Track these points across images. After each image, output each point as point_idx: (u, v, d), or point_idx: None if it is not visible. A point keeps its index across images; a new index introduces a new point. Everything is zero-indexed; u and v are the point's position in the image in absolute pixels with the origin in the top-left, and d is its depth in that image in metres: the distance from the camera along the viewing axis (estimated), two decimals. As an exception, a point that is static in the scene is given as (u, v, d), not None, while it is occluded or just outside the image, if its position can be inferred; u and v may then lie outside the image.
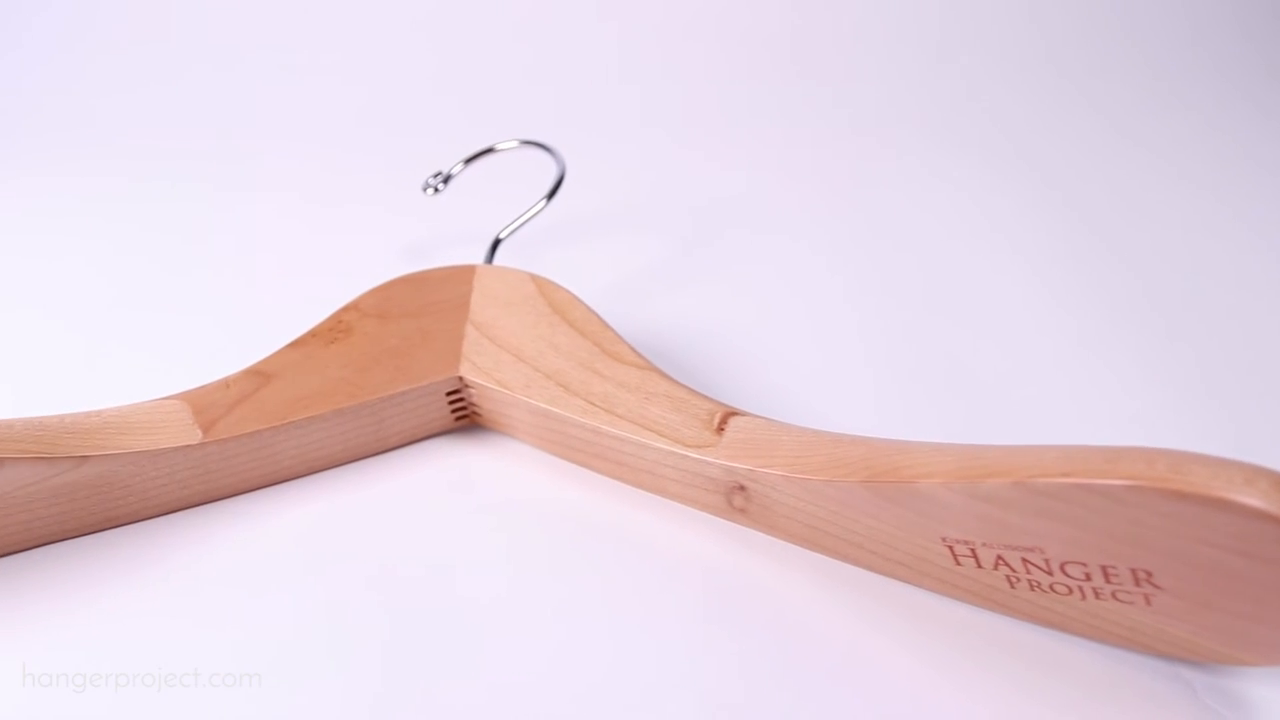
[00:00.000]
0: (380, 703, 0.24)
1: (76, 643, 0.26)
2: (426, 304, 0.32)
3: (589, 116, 0.63)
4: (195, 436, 0.29)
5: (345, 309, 0.32)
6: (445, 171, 0.40)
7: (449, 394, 0.31)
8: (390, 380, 0.30)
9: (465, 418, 0.32)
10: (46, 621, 0.27)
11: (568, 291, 0.32)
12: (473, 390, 0.31)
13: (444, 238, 0.47)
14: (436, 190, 0.38)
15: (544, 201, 0.38)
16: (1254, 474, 0.18)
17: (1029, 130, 0.60)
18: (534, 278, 0.33)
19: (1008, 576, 0.25)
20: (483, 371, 0.31)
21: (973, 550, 0.25)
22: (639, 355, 0.30)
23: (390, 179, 0.54)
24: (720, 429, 0.28)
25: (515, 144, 0.39)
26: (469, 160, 0.39)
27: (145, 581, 0.28)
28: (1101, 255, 0.45)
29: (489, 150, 0.39)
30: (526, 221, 0.38)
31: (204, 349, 0.39)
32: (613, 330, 0.31)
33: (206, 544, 0.29)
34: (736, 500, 0.28)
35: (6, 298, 0.44)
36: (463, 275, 0.33)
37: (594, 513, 0.30)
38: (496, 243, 0.36)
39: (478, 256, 0.40)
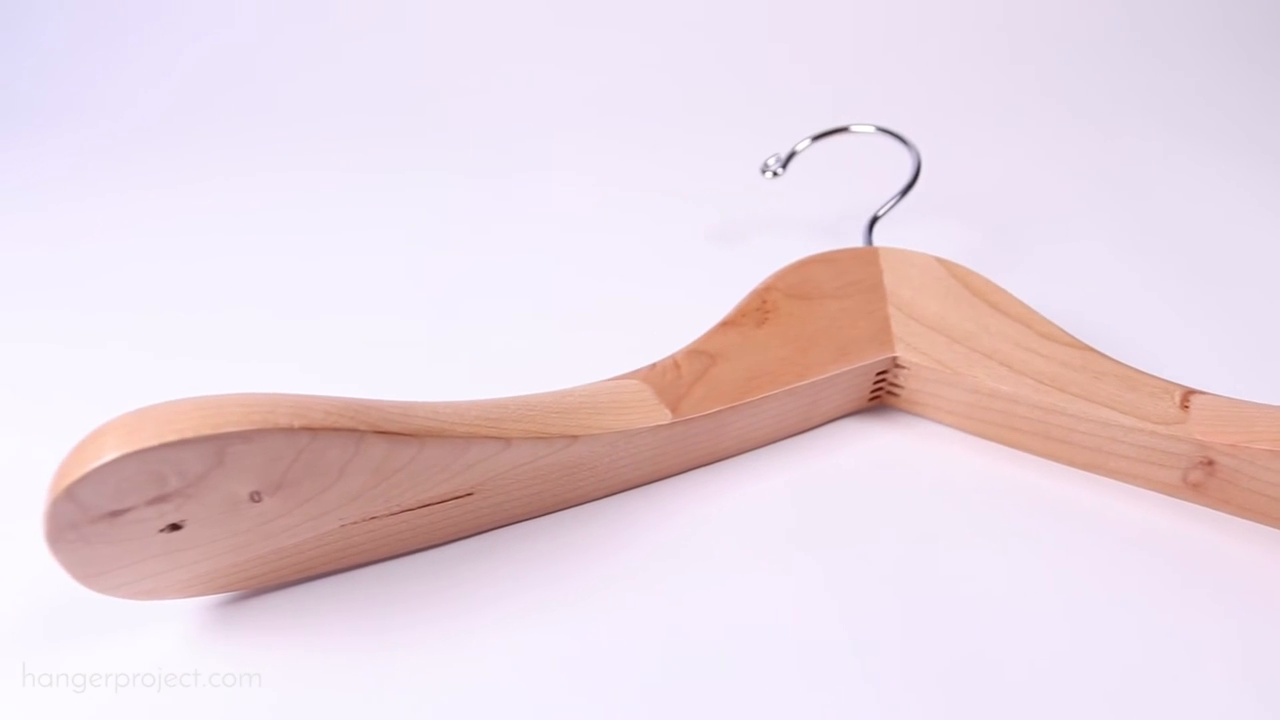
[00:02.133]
0: (854, 677, 0.24)
1: (557, 627, 0.26)
2: (843, 285, 0.33)
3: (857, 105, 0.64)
4: (665, 417, 0.29)
5: (765, 289, 0.32)
6: (785, 153, 0.39)
7: (877, 374, 0.32)
8: (832, 360, 0.31)
9: (876, 398, 0.33)
10: (545, 605, 0.27)
11: (980, 275, 0.32)
12: (905, 371, 0.31)
13: (745, 221, 0.48)
14: (775, 174, 0.38)
15: (903, 193, 0.38)
16: None
17: (1258, 120, 0.62)
18: (941, 261, 0.33)
19: None
20: (919, 352, 0.31)
21: None
22: (1071, 336, 0.31)
23: (676, 167, 0.56)
24: (1184, 406, 0.29)
25: (871, 129, 0.39)
26: (816, 138, 0.39)
27: (623, 563, 0.28)
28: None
29: (842, 130, 0.39)
30: (894, 206, 0.39)
31: (534, 336, 0.40)
32: (1038, 312, 0.32)
33: (669, 524, 0.29)
34: (1193, 475, 0.29)
35: (337, 291, 0.44)
36: (868, 257, 0.34)
37: (1035, 491, 0.30)
38: (874, 222, 0.36)
39: (787, 239, 0.41)
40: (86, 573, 0.23)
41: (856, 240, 0.43)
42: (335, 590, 0.27)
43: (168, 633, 0.26)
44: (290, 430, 0.22)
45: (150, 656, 0.25)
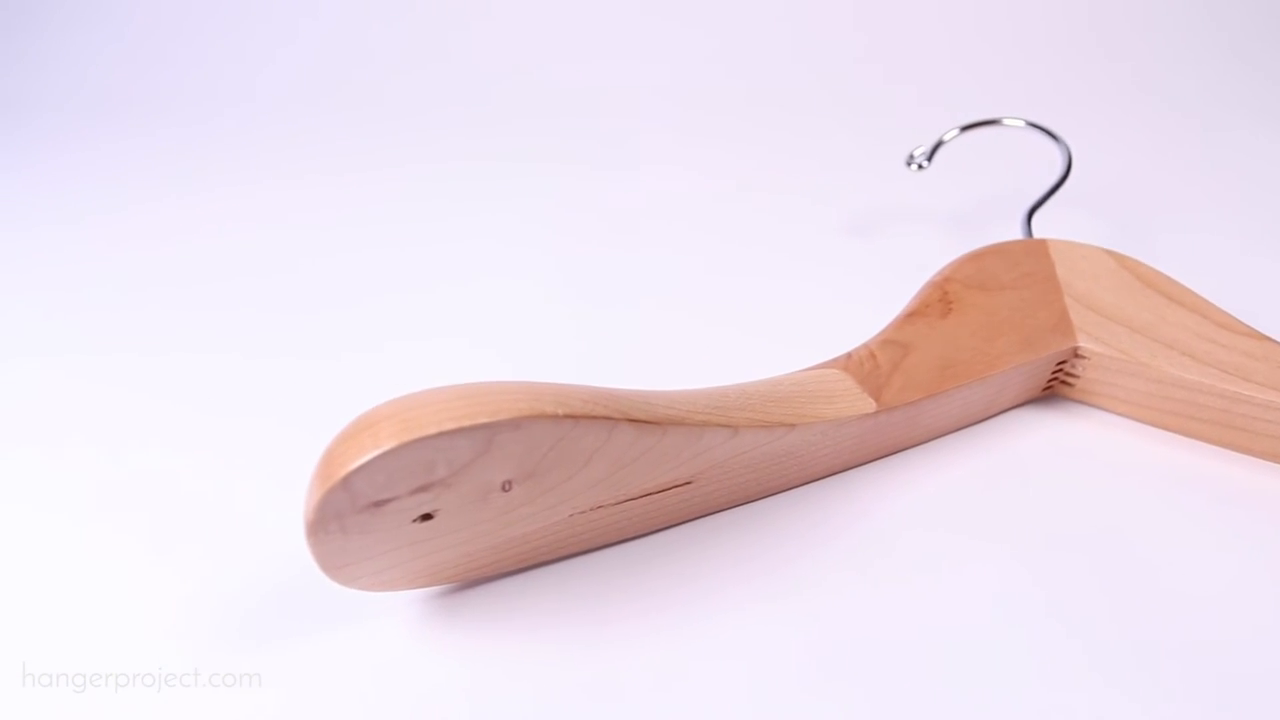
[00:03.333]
0: (1085, 670, 0.25)
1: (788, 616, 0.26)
2: (1017, 276, 0.33)
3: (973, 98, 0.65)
4: (870, 406, 0.29)
5: (945, 280, 0.33)
6: (930, 145, 0.40)
7: (1056, 364, 0.32)
8: (1018, 350, 0.31)
9: (1050, 388, 0.33)
10: (761, 589, 0.27)
11: (1150, 266, 0.33)
12: (1085, 361, 0.32)
13: (870, 215, 0.49)
14: (920, 167, 0.39)
15: (1056, 187, 0.39)
16: None
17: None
18: (1111, 253, 0.34)
19: None
20: (1101, 342, 0.31)
21: None
22: (1249, 326, 0.31)
23: (790, 164, 0.57)
24: (1372, 395, 0.30)
25: (1021, 124, 0.39)
26: (965, 128, 0.39)
27: (832, 554, 0.28)
28: None
29: (993, 122, 0.40)
30: (1047, 199, 0.39)
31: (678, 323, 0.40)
32: (1213, 303, 0.32)
33: (870, 513, 0.30)
34: (1376, 462, 0.30)
35: (476, 272, 0.45)
36: (1038, 249, 0.34)
37: (1220, 479, 0.30)
38: (1031, 214, 0.37)
39: (920, 229, 0.41)
40: (334, 564, 0.23)
41: (989, 232, 0.44)
42: (549, 581, 0.27)
43: (387, 625, 0.26)
44: (555, 418, 0.22)
45: (377, 648, 0.25)
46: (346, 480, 0.21)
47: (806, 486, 0.30)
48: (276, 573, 0.28)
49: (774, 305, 0.41)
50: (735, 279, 0.44)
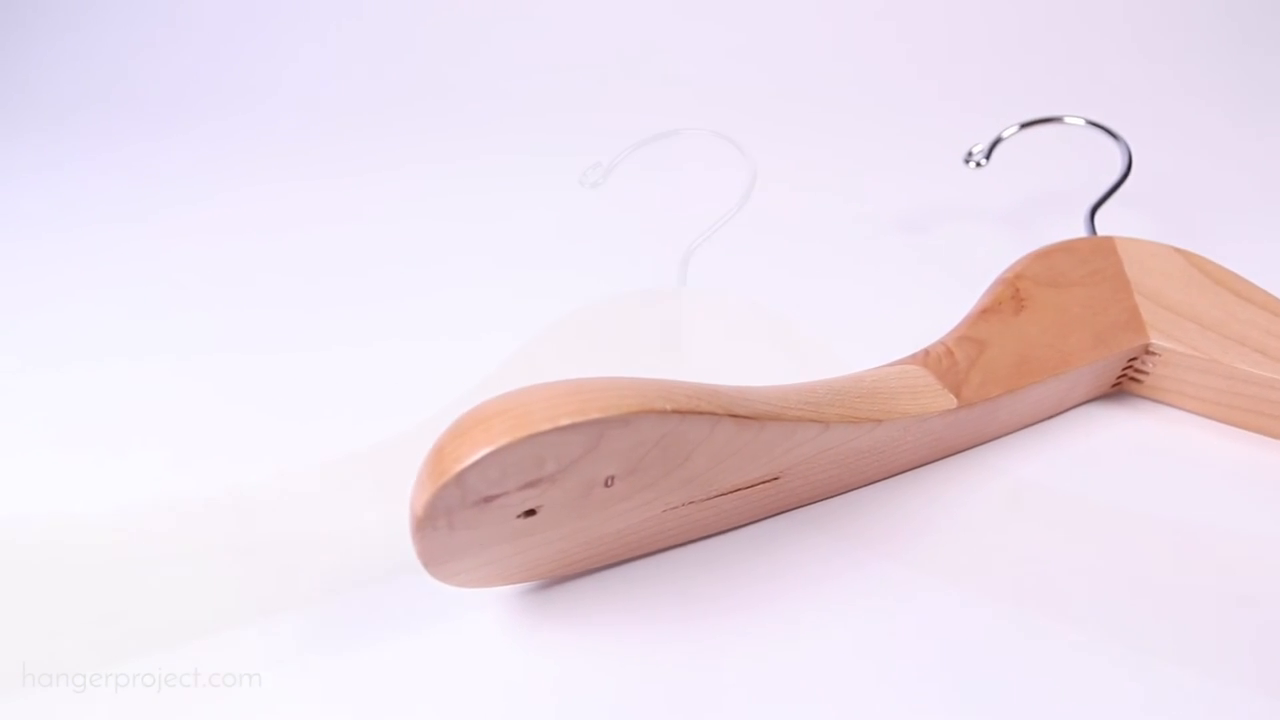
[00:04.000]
0: (1185, 666, 0.25)
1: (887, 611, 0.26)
2: (1087, 273, 0.33)
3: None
4: (951, 402, 0.29)
5: (1015, 277, 0.33)
6: (989, 143, 0.40)
7: (1126, 361, 0.32)
8: (1091, 347, 0.31)
9: (1118, 384, 0.34)
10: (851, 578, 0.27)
11: (1219, 264, 0.33)
12: (1156, 357, 0.32)
13: (925, 209, 0.49)
14: (979, 164, 0.39)
15: (1116, 185, 0.39)
16: None
17: None
18: (1178, 250, 0.34)
19: None
20: (1173, 339, 0.32)
21: None
22: (1318, 323, 0.32)
23: (827, 162, 0.57)
24: None
25: (1082, 122, 0.40)
26: (1025, 125, 0.40)
27: (918, 551, 0.28)
28: None
29: (1054, 120, 0.40)
30: (1108, 198, 0.39)
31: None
32: (1282, 301, 0.32)
33: (952, 509, 0.30)
34: None
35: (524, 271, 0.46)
36: (1106, 246, 0.34)
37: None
38: (1094, 212, 0.37)
39: (971, 228, 0.41)
40: (436, 559, 0.23)
41: (1041, 229, 0.44)
42: (635, 577, 0.27)
43: (476, 621, 0.26)
44: (663, 413, 0.22)
45: (465, 643, 0.26)
46: (460, 476, 0.21)
47: (884, 482, 0.31)
48: (348, 574, 0.28)
49: (832, 303, 0.41)
50: (791, 277, 0.44)
